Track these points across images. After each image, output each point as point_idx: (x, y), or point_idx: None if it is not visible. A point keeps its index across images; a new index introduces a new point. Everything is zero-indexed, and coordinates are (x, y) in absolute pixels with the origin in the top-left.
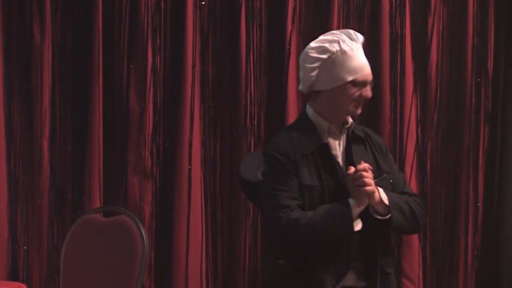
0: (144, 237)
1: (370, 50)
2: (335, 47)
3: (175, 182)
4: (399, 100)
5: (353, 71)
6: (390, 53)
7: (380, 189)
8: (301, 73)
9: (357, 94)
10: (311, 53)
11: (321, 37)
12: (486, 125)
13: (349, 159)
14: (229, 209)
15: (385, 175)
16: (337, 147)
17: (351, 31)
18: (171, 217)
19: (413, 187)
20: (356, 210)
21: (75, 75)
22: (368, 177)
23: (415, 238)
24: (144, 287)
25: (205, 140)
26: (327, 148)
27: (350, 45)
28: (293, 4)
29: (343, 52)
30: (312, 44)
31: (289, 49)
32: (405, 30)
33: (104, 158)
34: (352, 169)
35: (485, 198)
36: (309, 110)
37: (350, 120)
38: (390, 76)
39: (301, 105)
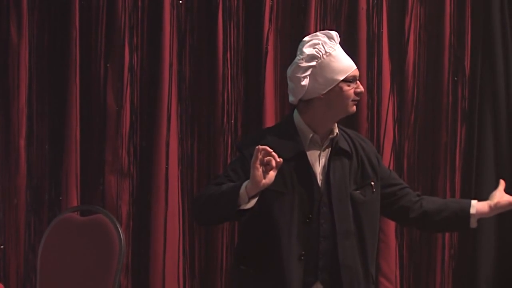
0: (121, 236)
1: (347, 49)
2: (320, 51)
3: (152, 181)
4: (376, 99)
5: (342, 70)
6: (367, 52)
7: None
8: (291, 85)
9: (351, 91)
10: (300, 63)
11: (304, 43)
12: (463, 124)
13: (328, 174)
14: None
15: (371, 183)
16: (318, 158)
17: (329, 31)
18: (148, 216)
19: None
20: (248, 191)
21: (52, 74)
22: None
23: (392, 237)
24: (121, 286)
25: (182, 139)
26: (305, 157)
27: (332, 46)
28: (270, 3)
29: (328, 54)
30: (300, 55)
31: (267, 48)
32: (382, 29)
33: (81, 157)
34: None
35: (462, 197)
36: (297, 117)
37: (336, 130)
38: (367, 75)
39: (278, 104)
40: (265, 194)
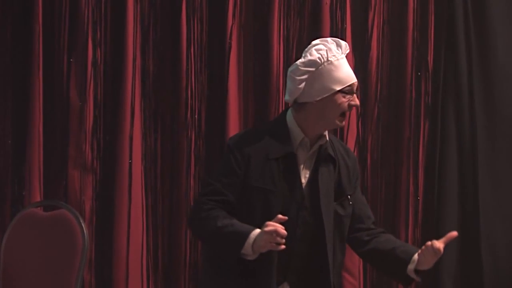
0: (85, 232)
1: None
2: (322, 58)
3: (116, 176)
4: None
5: (341, 80)
6: None
7: None
8: (289, 84)
9: (345, 103)
10: (300, 66)
11: (311, 46)
12: (426, 119)
13: (315, 179)
14: (170, 203)
15: (347, 196)
16: (304, 161)
17: (338, 40)
18: (111, 211)
19: None
20: (255, 247)
21: (15, 69)
22: (280, 237)
23: None
24: (84, 282)
25: (146, 134)
26: (294, 159)
27: (336, 55)
28: None
29: (329, 62)
30: (303, 57)
31: (230, 43)
32: (346, 24)
33: (44, 152)
34: (280, 217)
35: (425, 192)
36: (290, 117)
37: (327, 137)
38: None
39: (242, 99)
40: (253, 191)
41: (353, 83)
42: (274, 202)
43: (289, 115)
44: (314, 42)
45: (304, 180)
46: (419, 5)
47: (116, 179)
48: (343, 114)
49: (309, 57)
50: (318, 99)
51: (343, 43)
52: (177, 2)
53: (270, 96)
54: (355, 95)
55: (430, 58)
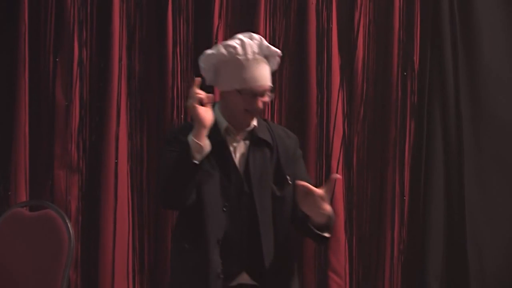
0: (71, 231)
1: (297, 44)
2: (237, 51)
3: (102, 176)
4: (325, 94)
5: (242, 80)
6: (316, 47)
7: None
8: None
9: (244, 105)
10: (217, 47)
11: (230, 40)
12: (412, 119)
13: (247, 164)
14: (156, 203)
15: (286, 176)
16: (236, 148)
17: (260, 41)
18: (97, 211)
19: (339, 181)
20: (196, 137)
21: (0, 69)
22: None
23: (341, 231)
24: (70, 281)
25: (132, 134)
26: (224, 146)
27: (251, 53)
28: None
29: (238, 58)
30: (214, 47)
31: (216, 43)
32: (332, 24)
33: (30, 152)
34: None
35: (411, 192)
36: (216, 106)
37: (254, 123)
38: (317, 70)
39: None
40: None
41: (257, 86)
42: (212, 186)
43: (217, 104)
44: (238, 35)
45: (239, 166)
46: (405, 4)
47: (102, 179)
48: (245, 112)
49: (227, 43)
50: (222, 90)
51: (255, 42)
52: (163, 2)
53: None
54: (259, 99)
55: (416, 58)
